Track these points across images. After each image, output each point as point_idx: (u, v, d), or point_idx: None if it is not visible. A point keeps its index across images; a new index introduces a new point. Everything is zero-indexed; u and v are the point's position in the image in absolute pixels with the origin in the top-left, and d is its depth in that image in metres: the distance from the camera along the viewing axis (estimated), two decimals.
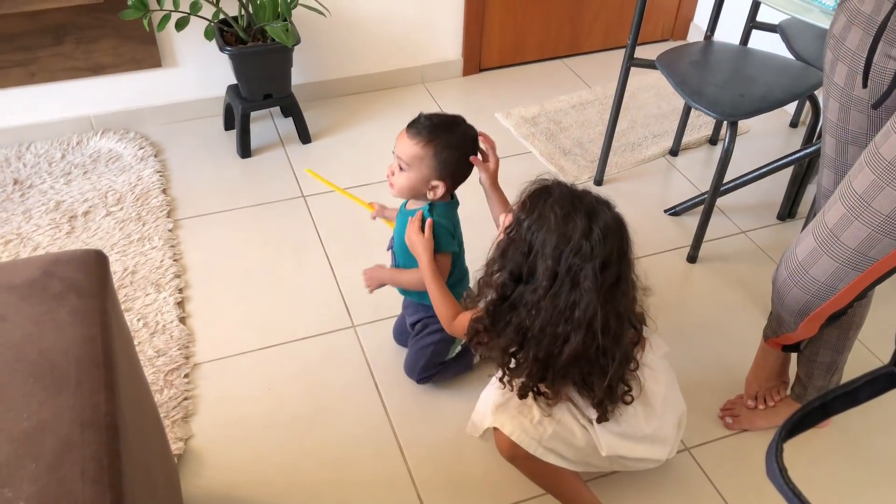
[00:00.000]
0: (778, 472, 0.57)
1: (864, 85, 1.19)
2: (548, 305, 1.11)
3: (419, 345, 1.59)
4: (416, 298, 1.57)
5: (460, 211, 1.48)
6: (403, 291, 1.59)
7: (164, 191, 2.14)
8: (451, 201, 1.46)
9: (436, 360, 1.60)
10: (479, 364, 1.66)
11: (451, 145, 1.36)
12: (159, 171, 2.20)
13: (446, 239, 1.43)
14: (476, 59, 2.76)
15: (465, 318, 1.27)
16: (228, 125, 2.41)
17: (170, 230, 2.01)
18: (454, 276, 1.51)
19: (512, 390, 1.23)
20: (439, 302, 1.35)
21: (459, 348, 1.62)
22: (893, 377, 0.59)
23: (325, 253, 1.98)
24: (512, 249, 1.14)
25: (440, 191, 1.39)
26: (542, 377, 1.18)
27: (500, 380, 1.26)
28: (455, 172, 1.39)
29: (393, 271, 1.54)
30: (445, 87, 2.70)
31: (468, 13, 2.62)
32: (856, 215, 1.16)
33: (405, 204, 1.50)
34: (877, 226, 1.14)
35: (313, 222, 2.08)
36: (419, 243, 1.39)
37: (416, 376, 1.61)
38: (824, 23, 1.51)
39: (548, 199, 1.12)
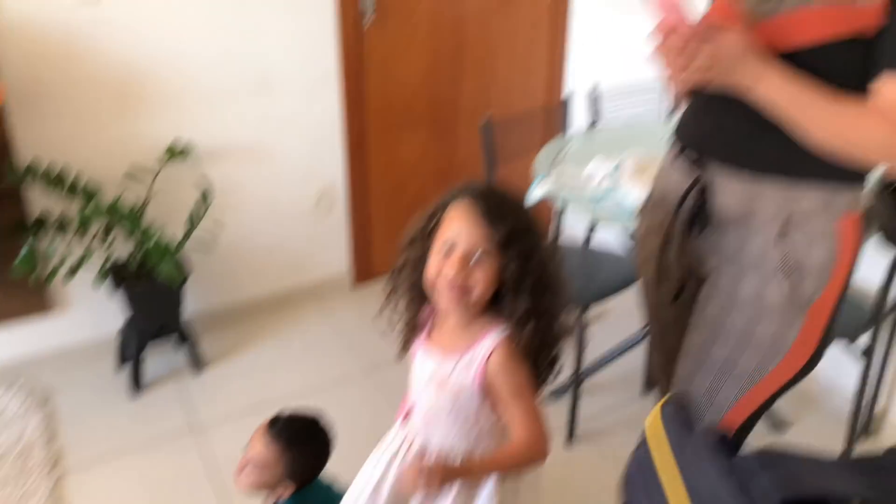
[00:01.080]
0: None
1: (660, 284, 1.42)
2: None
3: None
4: None
5: None
6: None
7: (49, 442, 2.10)
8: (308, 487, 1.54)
9: None
10: None
11: (304, 456, 1.51)
12: (45, 422, 2.17)
13: None
14: (366, 269, 2.92)
15: (535, 428, 1.25)
16: (122, 361, 2.42)
17: (54, 484, 1.95)
18: None
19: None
20: (513, 462, 1.28)
21: None
22: None
23: (216, 494, 1.96)
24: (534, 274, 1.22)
25: (288, 492, 1.51)
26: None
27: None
28: (304, 474, 1.52)
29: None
30: (337, 302, 2.83)
31: (354, 226, 2.82)
32: (698, 366, 1.32)
33: None
34: (717, 371, 1.29)
35: (203, 462, 2.06)
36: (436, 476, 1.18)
37: None
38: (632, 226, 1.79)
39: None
